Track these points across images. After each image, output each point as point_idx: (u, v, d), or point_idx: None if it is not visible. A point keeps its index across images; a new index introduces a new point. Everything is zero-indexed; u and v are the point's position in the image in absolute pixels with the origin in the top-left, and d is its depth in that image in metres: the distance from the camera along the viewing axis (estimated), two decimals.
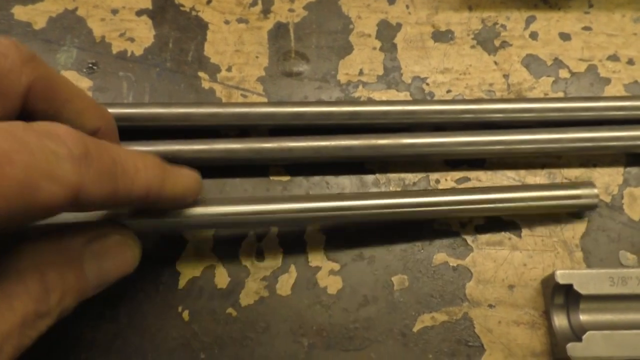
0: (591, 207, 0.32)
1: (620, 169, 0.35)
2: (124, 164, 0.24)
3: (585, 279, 0.29)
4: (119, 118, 0.34)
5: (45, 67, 0.26)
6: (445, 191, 0.31)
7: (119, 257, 0.28)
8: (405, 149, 0.34)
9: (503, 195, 0.31)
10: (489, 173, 0.35)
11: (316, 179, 0.35)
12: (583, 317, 0.29)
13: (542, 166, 0.35)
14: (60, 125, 0.22)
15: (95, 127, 0.29)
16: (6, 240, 0.25)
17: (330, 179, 0.35)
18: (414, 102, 0.35)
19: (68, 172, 0.20)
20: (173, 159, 0.31)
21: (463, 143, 0.34)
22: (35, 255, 0.24)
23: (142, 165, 0.25)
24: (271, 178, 0.35)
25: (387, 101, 0.36)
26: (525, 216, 0.33)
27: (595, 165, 0.35)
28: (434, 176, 0.35)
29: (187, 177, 0.29)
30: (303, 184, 0.35)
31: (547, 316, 0.31)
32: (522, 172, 0.35)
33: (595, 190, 0.31)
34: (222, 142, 0.34)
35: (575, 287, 0.29)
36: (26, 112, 0.26)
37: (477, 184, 0.34)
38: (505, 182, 0.34)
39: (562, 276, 0.29)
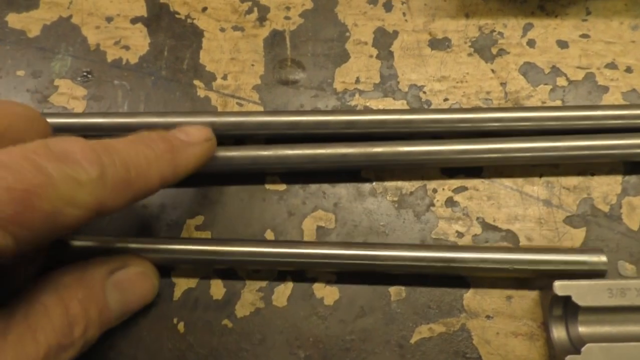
0: (599, 274, 0.31)
1: (619, 178, 0.34)
2: (136, 165, 0.25)
3: (583, 291, 0.29)
4: (114, 128, 0.34)
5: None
6: (449, 248, 0.31)
7: (140, 287, 0.29)
8: (402, 157, 0.33)
9: (508, 257, 0.30)
10: (486, 182, 0.34)
11: (312, 188, 0.35)
12: (582, 329, 0.29)
13: (540, 175, 0.34)
14: (75, 141, 0.23)
15: None
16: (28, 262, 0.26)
17: (327, 187, 0.35)
18: (411, 111, 0.35)
19: (88, 196, 0.22)
20: None
21: (460, 151, 0.33)
22: (59, 287, 0.25)
23: (153, 155, 0.26)
24: (267, 187, 0.35)
25: (384, 110, 0.36)
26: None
27: (593, 174, 0.34)
28: (431, 185, 0.34)
29: (198, 147, 0.29)
30: (299, 193, 0.34)
31: (545, 327, 0.31)
32: (520, 180, 0.34)
33: (603, 258, 0.30)
34: (218, 150, 0.34)
35: (574, 299, 0.29)
36: None
37: (475, 194, 0.34)
38: (503, 192, 0.34)
39: (561, 287, 0.29)
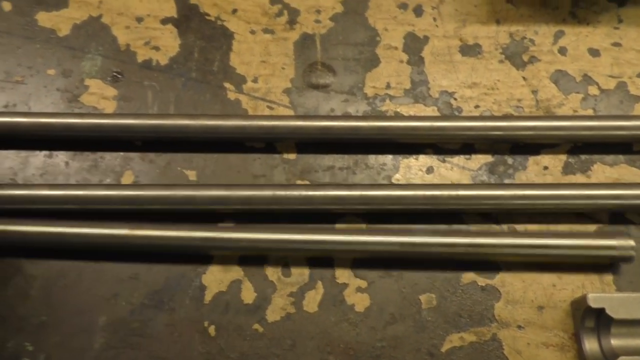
0: (626, 260, 0.31)
1: None
2: None
3: (617, 303, 0.29)
4: (144, 129, 0.34)
5: None
6: (477, 234, 0.32)
7: None
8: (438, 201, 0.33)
9: (534, 242, 0.31)
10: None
11: None
12: (614, 342, 0.29)
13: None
14: None
15: None
16: None
17: None
18: (443, 117, 0.35)
19: None
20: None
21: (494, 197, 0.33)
22: None
23: None
24: None
25: (416, 116, 0.36)
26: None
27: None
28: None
29: None
30: None
31: (576, 339, 0.31)
32: None
33: (631, 242, 0.31)
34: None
35: (608, 311, 0.29)
36: None
37: None
38: None
39: (594, 300, 0.29)
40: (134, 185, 0.34)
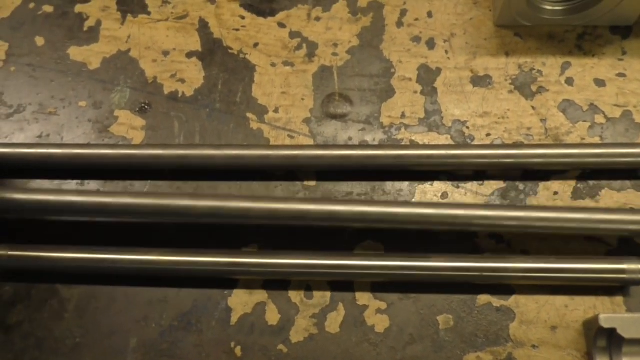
0: (636, 283, 0.32)
1: None
2: None
3: (628, 323, 0.30)
4: (172, 159, 0.36)
5: None
6: (489, 258, 0.33)
7: None
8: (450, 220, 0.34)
9: (546, 266, 0.33)
10: None
11: None
12: None
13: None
14: None
15: None
16: None
17: None
18: (457, 146, 0.37)
19: None
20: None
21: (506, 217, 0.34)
22: None
23: None
24: None
25: (431, 145, 0.37)
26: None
27: (632, 209, 0.36)
28: None
29: None
30: None
31: (589, 358, 0.32)
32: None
33: None
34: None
35: (619, 331, 0.30)
36: None
37: None
38: None
39: (606, 320, 0.30)
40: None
